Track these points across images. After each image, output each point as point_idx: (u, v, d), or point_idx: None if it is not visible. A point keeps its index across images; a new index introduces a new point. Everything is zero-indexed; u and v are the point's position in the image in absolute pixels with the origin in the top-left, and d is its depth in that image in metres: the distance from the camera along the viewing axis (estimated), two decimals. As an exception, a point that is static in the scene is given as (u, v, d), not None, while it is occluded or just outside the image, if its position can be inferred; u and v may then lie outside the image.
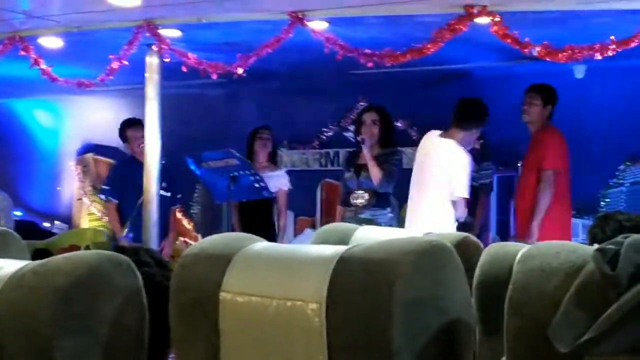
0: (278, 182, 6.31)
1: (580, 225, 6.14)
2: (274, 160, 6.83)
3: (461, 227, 5.61)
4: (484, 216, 6.12)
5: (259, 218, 6.32)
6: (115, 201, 6.40)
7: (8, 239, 1.82)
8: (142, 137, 5.89)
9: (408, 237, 1.38)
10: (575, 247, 1.29)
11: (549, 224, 5.56)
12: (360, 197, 5.64)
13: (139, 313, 1.36)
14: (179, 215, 7.76)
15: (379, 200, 5.61)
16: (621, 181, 6.36)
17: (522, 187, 5.73)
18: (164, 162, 5.87)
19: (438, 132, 5.22)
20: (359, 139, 5.66)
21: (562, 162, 5.55)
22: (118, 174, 6.60)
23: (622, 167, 6.34)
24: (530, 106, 5.73)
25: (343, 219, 5.56)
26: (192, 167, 6.07)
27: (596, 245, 1.23)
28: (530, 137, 5.85)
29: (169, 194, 6.51)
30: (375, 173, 5.51)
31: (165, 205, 6.39)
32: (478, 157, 6.11)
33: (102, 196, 6.78)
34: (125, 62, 5.31)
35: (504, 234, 6.48)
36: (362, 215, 5.54)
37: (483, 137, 6.25)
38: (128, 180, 6.13)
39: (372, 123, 5.66)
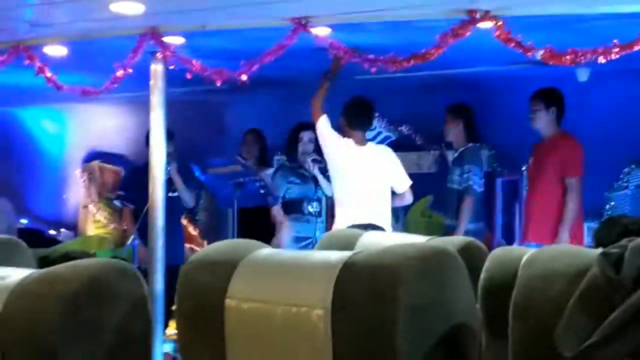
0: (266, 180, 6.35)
1: (585, 228, 6.13)
2: (263, 162, 6.93)
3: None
4: (469, 220, 6.08)
5: (260, 224, 6.37)
6: (132, 206, 6.44)
7: (14, 247, 1.83)
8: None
9: (412, 242, 1.38)
10: (578, 251, 1.29)
11: (573, 229, 5.67)
12: (316, 205, 6.15)
13: (145, 320, 1.37)
14: (184, 221, 7.77)
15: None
16: (626, 184, 6.35)
17: (541, 191, 5.72)
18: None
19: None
20: (313, 159, 6.10)
21: (582, 168, 5.66)
22: (133, 180, 6.62)
23: (626, 170, 6.33)
24: (535, 113, 5.75)
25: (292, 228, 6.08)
26: (197, 173, 6.10)
27: (600, 249, 1.23)
28: (542, 141, 5.83)
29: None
30: (326, 185, 5.91)
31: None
32: (462, 160, 6.14)
33: (118, 202, 6.83)
34: (130, 70, 5.31)
35: (508, 238, 6.47)
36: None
37: (476, 140, 6.26)
38: (143, 186, 6.13)
39: (308, 141, 6.14)
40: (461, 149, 6.22)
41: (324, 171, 5.92)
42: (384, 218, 5.41)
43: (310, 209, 6.15)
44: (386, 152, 5.67)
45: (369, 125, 5.83)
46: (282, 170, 6.35)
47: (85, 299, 1.27)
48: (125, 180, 7.01)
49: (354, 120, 5.59)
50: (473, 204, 6.03)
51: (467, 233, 5.80)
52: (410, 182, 5.63)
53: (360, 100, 5.66)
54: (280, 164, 6.65)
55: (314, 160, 6.05)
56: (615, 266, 1.16)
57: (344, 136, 5.63)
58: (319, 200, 6.17)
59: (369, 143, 5.76)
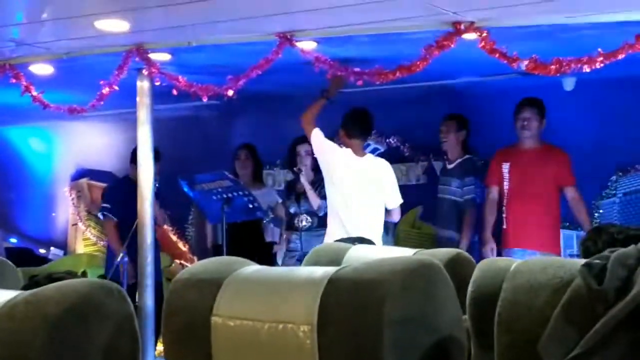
0: (266, 200, 6.33)
1: (574, 236, 6.14)
2: (258, 179, 6.91)
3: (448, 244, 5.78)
4: (473, 232, 6.07)
5: (248, 239, 6.37)
6: (115, 219, 6.41)
7: (2, 267, 1.82)
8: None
9: (397, 256, 1.38)
10: (562, 262, 1.30)
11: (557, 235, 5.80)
12: (305, 220, 6.13)
13: (132, 339, 1.36)
14: (174, 237, 7.75)
15: (319, 221, 6.03)
16: (614, 192, 6.36)
17: (538, 200, 5.73)
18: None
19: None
20: (295, 169, 6.13)
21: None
22: (117, 193, 6.60)
23: (614, 177, 6.34)
24: (531, 121, 5.76)
25: (289, 242, 6.21)
26: (185, 189, 6.08)
27: (584, 260, 1.24)
28: (523, 150, 5.84)
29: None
30: (314, 199, 5.94)
31: None
32: (462, 172, 6.13)
33: (101, 214, 6.79)
34: (116, 87, 5.32)
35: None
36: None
37: (469, 151, 6.26)
38: (127, 199, 6.08)
39: (305, 154, 6.09)
40: (459, 160, 6.19)
41: (318, 185, 5.91)
42: (377, 231, 5.40)
43: (298, 224, 6.15)
44: (385, 165, 5.65)
45: (367, 135, 5.84)
46: (284, 191, 6.47)
47: (71, 319, 1.26)
48: (107, 194, 6.98)
49: (352, 129, 5.58)
50: (476, 216, 6.04)
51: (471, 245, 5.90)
52: (401, 201, 5.62)
53: (360, 110, 5.66)
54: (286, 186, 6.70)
55: (298, 169, 6.07)
56: (598, 277, 1.17)
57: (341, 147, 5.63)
58: (312, 214, 6.13)
59: (368, 154, 5.75)
